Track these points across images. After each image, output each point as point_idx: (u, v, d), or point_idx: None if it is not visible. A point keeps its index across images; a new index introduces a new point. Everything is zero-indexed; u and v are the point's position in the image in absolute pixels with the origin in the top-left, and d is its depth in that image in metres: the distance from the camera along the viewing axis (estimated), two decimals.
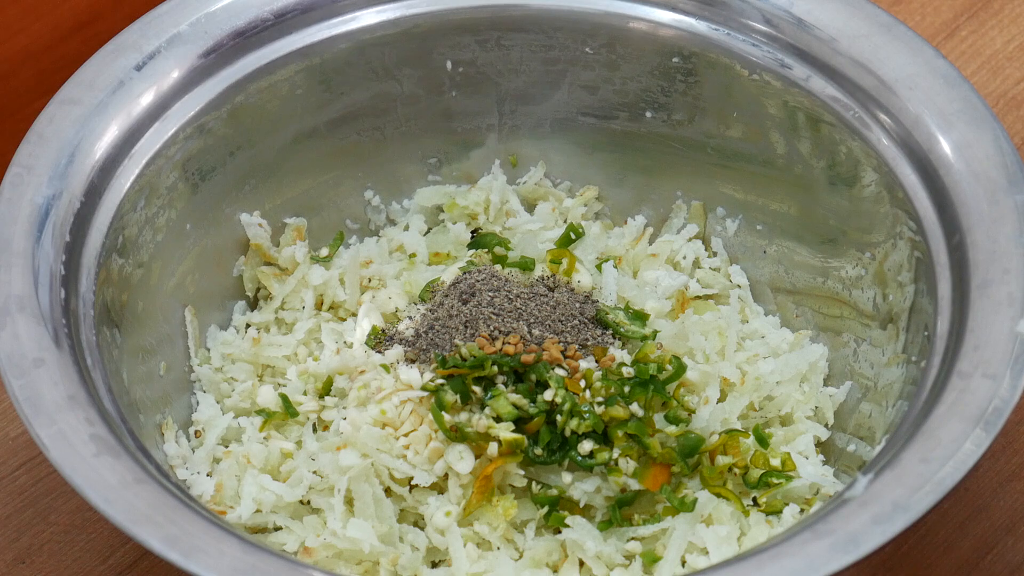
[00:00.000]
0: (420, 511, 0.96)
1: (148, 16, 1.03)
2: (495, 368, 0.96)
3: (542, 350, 0.98)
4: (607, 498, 0.96)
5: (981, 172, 0.94)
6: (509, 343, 0.98)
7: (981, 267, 0.91)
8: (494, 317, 1.00)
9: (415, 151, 1.12)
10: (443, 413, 0.95)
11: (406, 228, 1.12)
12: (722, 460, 0.98)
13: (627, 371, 0.98)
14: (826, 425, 1.03)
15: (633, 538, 0.95)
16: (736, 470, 0.98)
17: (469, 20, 1.08)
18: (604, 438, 0.96)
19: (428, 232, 1.12)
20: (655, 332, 1.03)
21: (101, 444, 0.85)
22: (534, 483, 0.96)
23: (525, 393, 0.96)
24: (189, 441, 1.02)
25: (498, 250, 1.09)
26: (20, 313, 0.89)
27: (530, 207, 1.13)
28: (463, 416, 0.96)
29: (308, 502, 0.97)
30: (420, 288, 1.06)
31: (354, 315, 1.07)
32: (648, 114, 1.09)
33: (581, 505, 0.95)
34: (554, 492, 0.96)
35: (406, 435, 0.96)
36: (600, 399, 0.96)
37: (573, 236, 1.10)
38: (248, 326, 1.08)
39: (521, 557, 0.95)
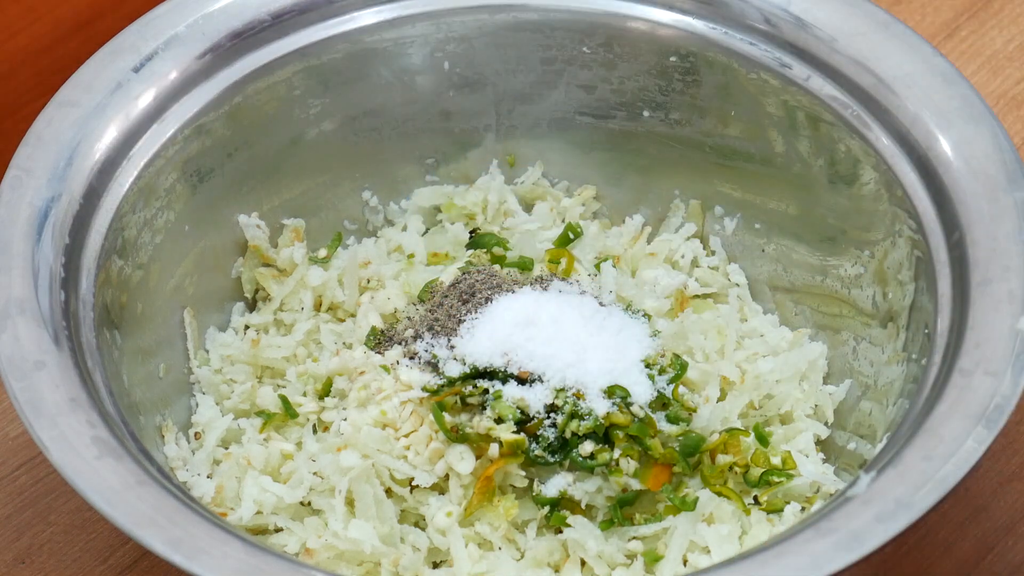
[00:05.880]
0: (421, 512, 0.96)
1: (146, 18, 1.03)
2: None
3: None
4: (608, 498, 0.96)
5: (980, 170, 0.94)
6: None
7: (981, 264, 0.91)
8: None
9: (412, 151, 1.12)
10: (444, 414, 0.95)
11: (404, 229, 1.12)
12: (723, 459, 0.98)
13: None
14: (826, 423, 1.03)
15: (635, 537, 0.95)
16: (737, 469, 0.98)
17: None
18: (605, 438, 0.96)
19: (426, 232, 1.12)
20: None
21: (103, 446, 0.84)
22: (535, 483, 0.96)
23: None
24: (189, 443, 1.01)
25: (496, 250, 1.09)
26: (20, 315, 0.89)
27: (528, 207, 1.13)
28: (464, 417, 0.96)
29: (309, 503, 0.97)
30: (419, 288, 1.06)
31: (353, 316, 1.07)
32: (646, 113, 1.09)
33: (583, 505, 0.95)
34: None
35: (407, 436, 0.96)
36: None
37: (571, 236, 1.10)
38: (247, 327, 1.08)
39: (522, 557, 0.95)
